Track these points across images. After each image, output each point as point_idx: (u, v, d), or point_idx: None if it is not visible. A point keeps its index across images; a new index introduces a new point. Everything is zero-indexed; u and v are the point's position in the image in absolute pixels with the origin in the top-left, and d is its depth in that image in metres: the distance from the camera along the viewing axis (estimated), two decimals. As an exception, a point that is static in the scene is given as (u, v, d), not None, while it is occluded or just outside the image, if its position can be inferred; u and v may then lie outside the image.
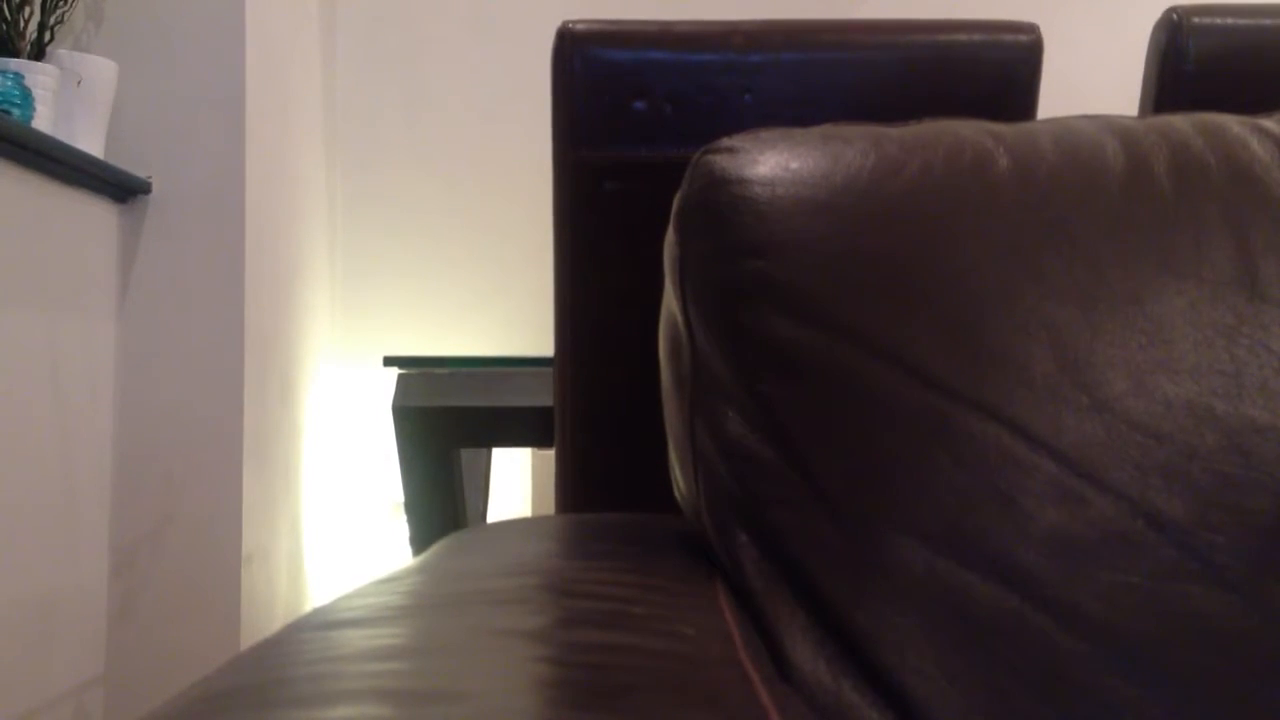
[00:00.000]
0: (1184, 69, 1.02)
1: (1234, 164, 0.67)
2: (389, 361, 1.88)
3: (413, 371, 1.78)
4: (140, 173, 1.68)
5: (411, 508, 1.78)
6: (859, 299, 0.65)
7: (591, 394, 0.97)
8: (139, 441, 1.70)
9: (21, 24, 1.54)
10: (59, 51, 1.61)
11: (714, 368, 0.66)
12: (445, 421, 1.70)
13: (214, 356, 1.72)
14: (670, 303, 0.71)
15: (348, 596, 0.51)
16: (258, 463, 1.78)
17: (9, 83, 1.46)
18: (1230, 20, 1.04)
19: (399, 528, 1.86)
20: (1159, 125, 0.71)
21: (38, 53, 1.57)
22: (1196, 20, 1.03)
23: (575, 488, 1.00)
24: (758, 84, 1.04)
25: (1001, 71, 1.06)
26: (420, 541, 1.74)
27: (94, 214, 1.65)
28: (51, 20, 1.59)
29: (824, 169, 0.68)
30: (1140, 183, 0.67)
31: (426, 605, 0.48)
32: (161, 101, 1.72)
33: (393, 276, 2.20)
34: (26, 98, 1.47)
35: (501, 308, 2.27)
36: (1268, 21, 1.04)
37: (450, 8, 2.33)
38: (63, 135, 1.54)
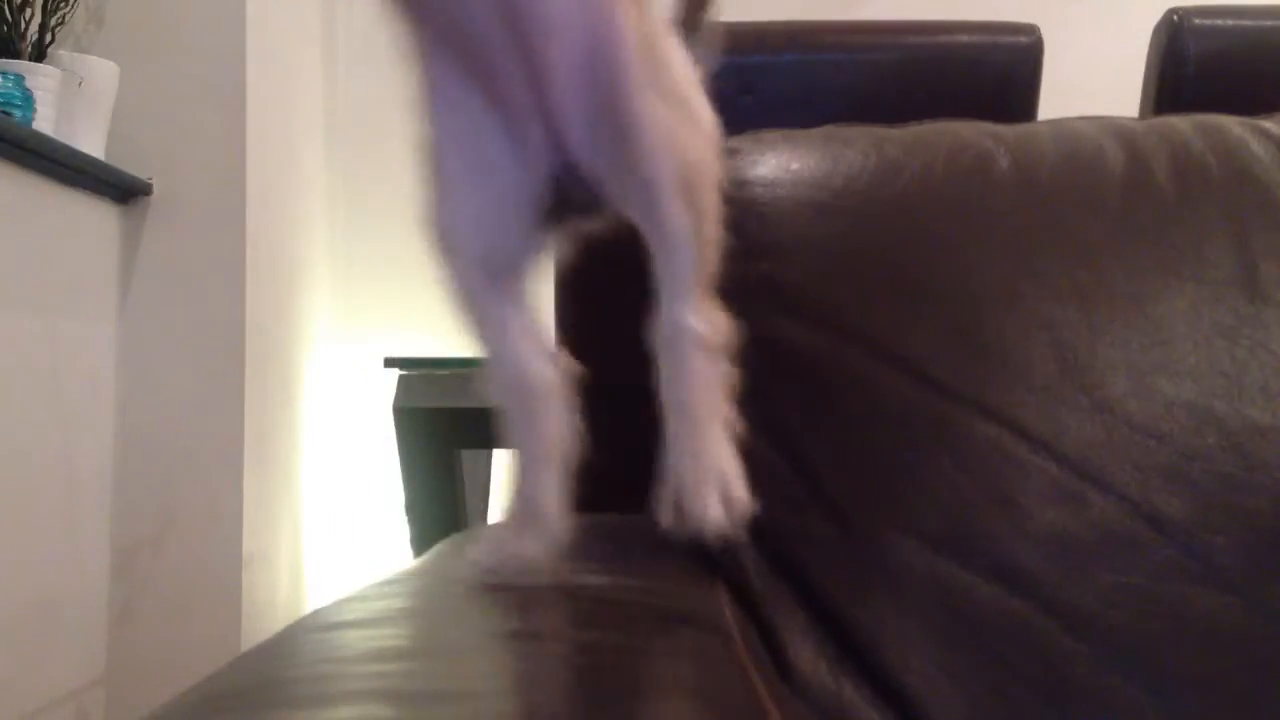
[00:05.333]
0: (1184, 70, 1.02)
1: (1234, 165, 0.67)
2: (390, 363, 1.88)
3: (413, 373, 1.78)
4: (141, 174, 1.68)
5: (412, 509, 1.78)
6: (860, 300, 0.65)
7: (591, 394, 0.97)
8: (140, 443, 1.69)
9: (22, 25, 1.54)
10: (60, 53, 1.60)
11: (714, 369, 0.66)
12: (446, 423, 1.70)
13: (214, 357, 1.72)
14: (671, 304, 0.71)
15: (348, 598, 0.51)
16: (258, 464, 1.77)
17: (10, 84, 1.46)
18: (1230, 21, 1.04)
19: (400, 529, 1.86)
20: (1159, 126, 0.71)
21: (39, 54, 1.57)
22: (1197, 21, 1.03)
23: (575, 488, 1.00)
24: (759, 85, 1.04)
25: (1001, 72, 1.06)
26: (421, 543, 1.74)
27: (95, 215, 1.65)
28: (52, 22, 1.58)
29: (825, 170, 0.68)
30: (1141, 184, 0.67)
31: (427, 607, 0.48)
32: (162, 102, 1.71)
33: (393, 277, 2.20)
34: (27, 99, 1.47)
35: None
36: (1268, 22, 1.05)
37: (451, 9, 2.32)
38: (64, 136, 1.54)
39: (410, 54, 0.44)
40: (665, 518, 0.46)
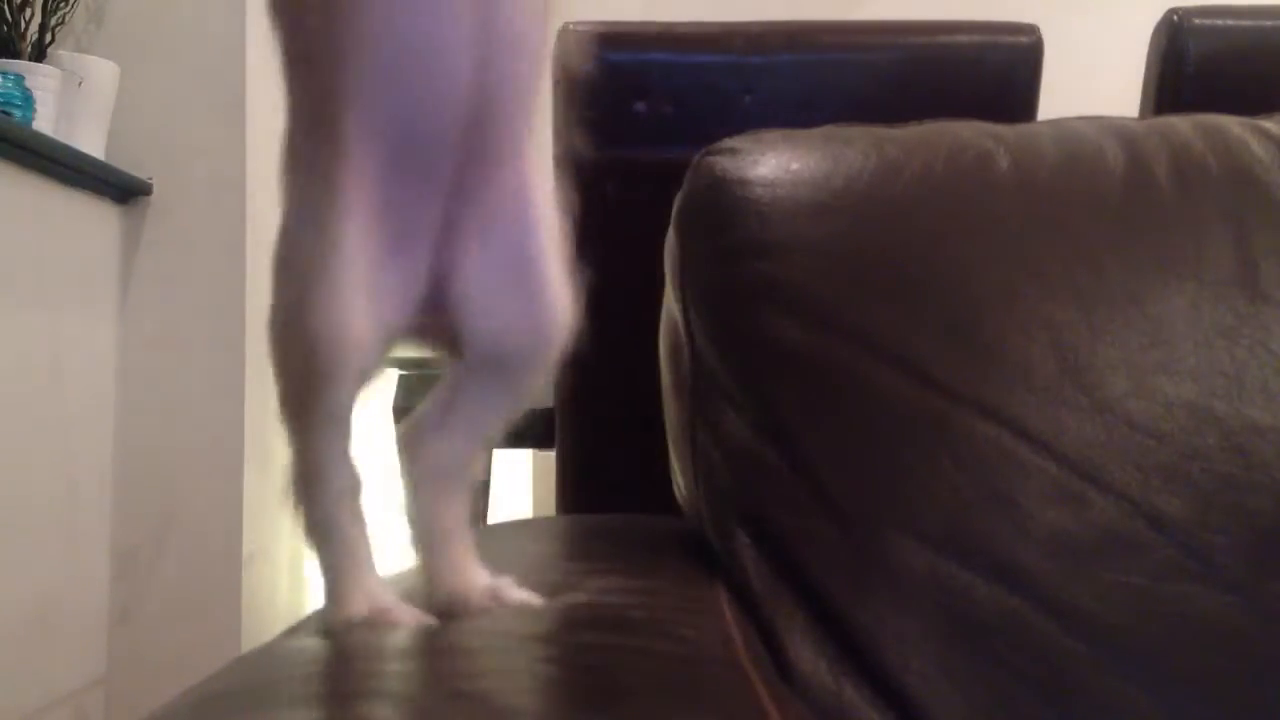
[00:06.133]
0: (1184, 70, 1.02)
1: (1234, 165, 0.67)
2: (389, 363, 1.88)
3: (413, 372, 1.78)
4: (141, 174, 1.68)
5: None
6: (860, 300, 0.65)
7: (591, 394, 0.97)
8: (140, 443, 1.69)
9: (22, 25, 1.54)
10: (60, 53, 1.60)
11: (714, 368, 0.66)
12: (446, 422, 1.70)
13: (215, 357, 1.72)
14: (670, 304, 0.71)
15: (349, 598, 0.51)
16: (259, 463, 1.77)
17: (10, 84, 1.46)
18: (1230, 21, 1.04)
19: (400, 529, 1.86)
20: (1159, 126, 0.71)
21: (39, 54, 1.57)
22: (1197, 21, 1.03)
23: (576, 489, 1.00)
24: (759, 85, 1.04)
25: (1001, 72, 1.06)
26: (421, 542, 1.74)
27: (95, 215, 1.65)
28: (52, 22, 1.59)
29: (825, 170, 0.68)
30: (1141, 184, 0.67)
31: (427, 606, 0.48)
32: (162, 102, 1.71)
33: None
34: (27, 99, 1.47)
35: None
36: (1268, 22, 1.05)
37: (451, 9, 2.32)
38: (63, 136, 1.54)
39: (334, 118, 0.40)
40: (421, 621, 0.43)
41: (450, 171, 0.41)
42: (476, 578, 0.45)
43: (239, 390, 1.73)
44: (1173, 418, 0.60)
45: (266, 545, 1.83)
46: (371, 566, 0.44)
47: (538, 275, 0.43)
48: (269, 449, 1.84)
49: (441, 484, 0.47)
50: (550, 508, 0.95)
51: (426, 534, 0.46)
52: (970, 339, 0.63)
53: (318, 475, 0.43)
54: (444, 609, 0.44)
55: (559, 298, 0.44)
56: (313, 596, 2.06)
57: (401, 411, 1.77)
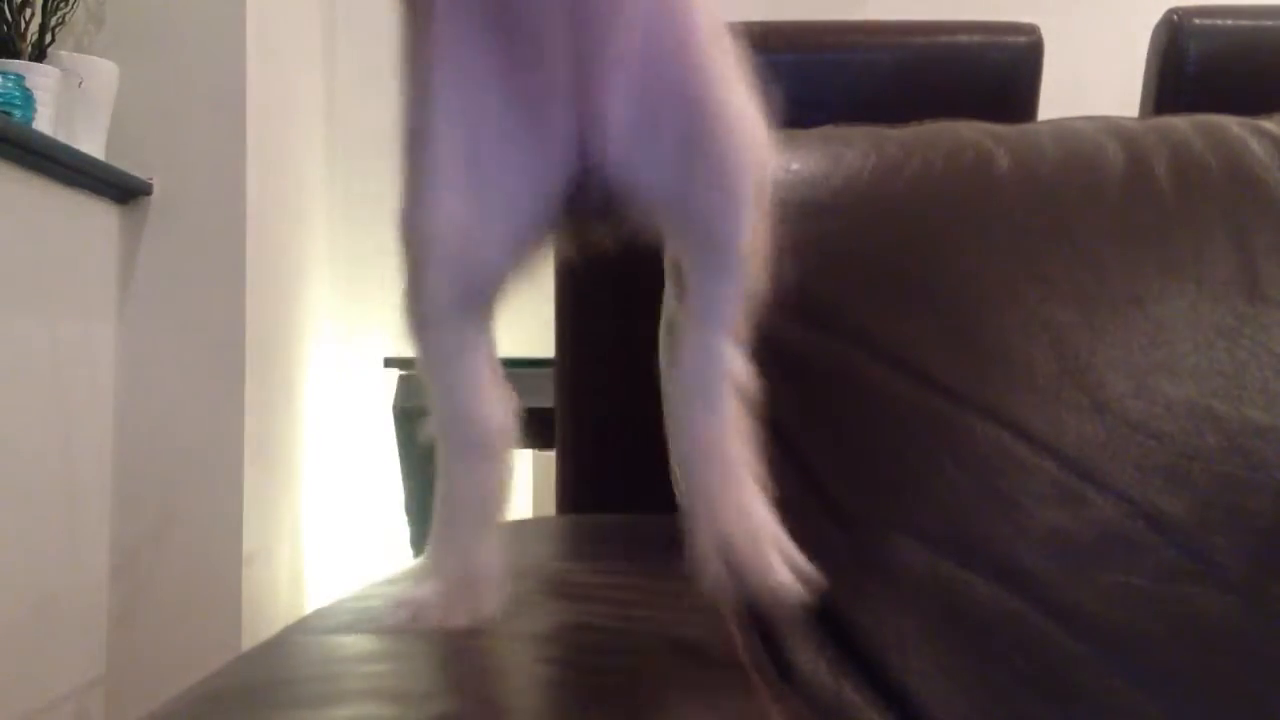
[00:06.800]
0: (1184, 70, 1.02)
1: (1234, 165, 0.67)
2: (390, 363, 1.88)
3: (414, 372, 1.77)
4: (141, 174, 1.68)
5: (412, 509, 1.78)
6: (860, 300, 0.65)
7: (591, 394, 0.97)
8: (140, 442, 1.69)
9: (22, 25, 1.54)
10: (60, 53, 1.60)
11: (714, 369, 0.66)
12: (446, 422, 1.70)
13: (215, 357, 1.72)
14: (670, 303, 0.71)
15: (349, 598, 0.51)
16: (259, 463, 1.77)
17: (10, 84, 1.46)
18: (1230, 21, 1.04)
19: (400, 529, 1.87)
20: (1159, 126, 0.71)
21: (39, 54, 1.56)
22: (1197, 21, 1.03)
23: (575, 489, 1.00)
24: (759, 85, 1.04)
25: (1001, 72, 1.06)
26: (421, 543, 1.74)
27: (95, 215, 1.65)
28: (52, 22, 1.58)
29: (825, 170, 0.68)
30: (1141, 184, 0.67)
31: (427, 606, 0.47)
32: (162, 102, 1.71)
33: (393, 277, 2.20)
34: (27, 99, 1.47)
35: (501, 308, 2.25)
36: (1268, 22, 1.04)
37: (451, 9, 2.31)
38: (63, 136, 1.54)
39: (416, 10, 0.37)
40: (713, 582, 0.39)
41: (560, 25, 0.35)
42: (742, 516, 0.38)
43: (239, 390, 1.73)
44: (1173, 418, 0.60)
45: (266, 545, 1.83)
46: (479, 529, 0.40)
47: (707, 114, 0.37)
48: (269, 448, 1.84)
49: (700, 390, 0.40)
50: (550, 508, 0.95)
51: (688, 456, 0.40)
52: (970, 339, 0.63)
53: (434, 399, 0.40)
54: (708, 550, 0.38)
55: (738, 133, 0.37)
56: (312, 596, 2.06)
57: (402, 411, 1.77)
